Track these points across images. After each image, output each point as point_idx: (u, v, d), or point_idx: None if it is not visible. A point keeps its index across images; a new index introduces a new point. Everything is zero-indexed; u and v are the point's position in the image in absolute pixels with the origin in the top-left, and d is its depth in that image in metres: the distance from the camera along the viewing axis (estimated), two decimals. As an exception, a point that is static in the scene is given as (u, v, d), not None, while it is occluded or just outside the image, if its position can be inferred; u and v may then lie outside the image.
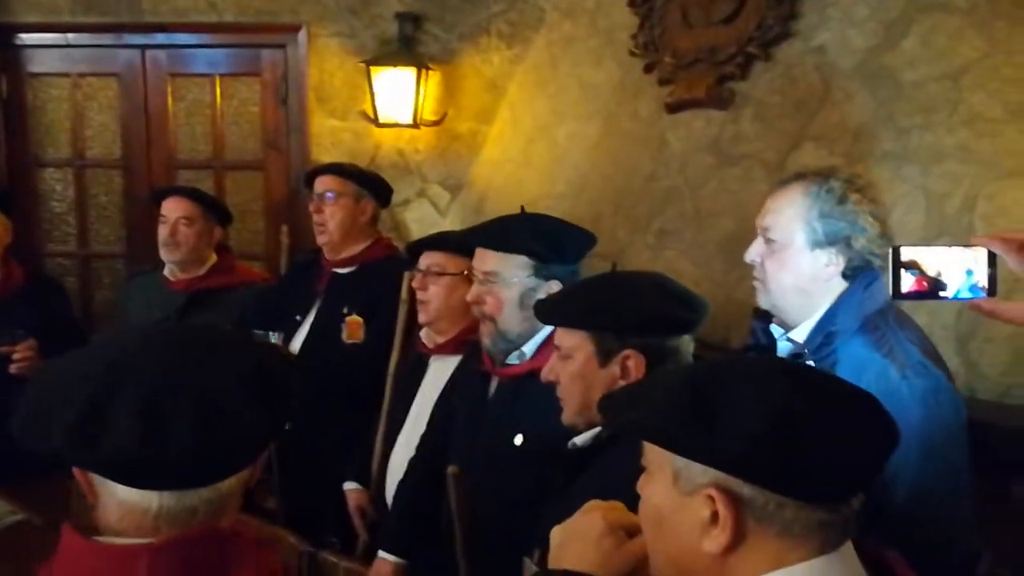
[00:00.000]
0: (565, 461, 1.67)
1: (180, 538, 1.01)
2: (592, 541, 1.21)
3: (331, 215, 3.05)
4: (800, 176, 1.80)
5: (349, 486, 2.73)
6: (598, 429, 1.65)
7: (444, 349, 2.51)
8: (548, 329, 2.05)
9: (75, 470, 1.04)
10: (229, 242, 3.99)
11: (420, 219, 4.00)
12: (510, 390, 2.08)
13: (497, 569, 1.92)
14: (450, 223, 3.93)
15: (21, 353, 2.99)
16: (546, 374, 1.72)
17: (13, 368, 2.99)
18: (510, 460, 1.99)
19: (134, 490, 1.01)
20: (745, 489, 0.98)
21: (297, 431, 2.94)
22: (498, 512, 1.99)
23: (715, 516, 0.99)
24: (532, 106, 3.79)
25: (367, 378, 2.84)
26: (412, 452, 2.45)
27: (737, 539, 0.99)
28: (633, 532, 1.21)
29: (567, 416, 1.69)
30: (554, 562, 1.23)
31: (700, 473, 1.00)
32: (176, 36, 4.13)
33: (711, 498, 0.99)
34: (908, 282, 1.37)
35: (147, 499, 1.02)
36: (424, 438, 2.40)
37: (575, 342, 1.66)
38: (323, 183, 3.11)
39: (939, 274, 1.37)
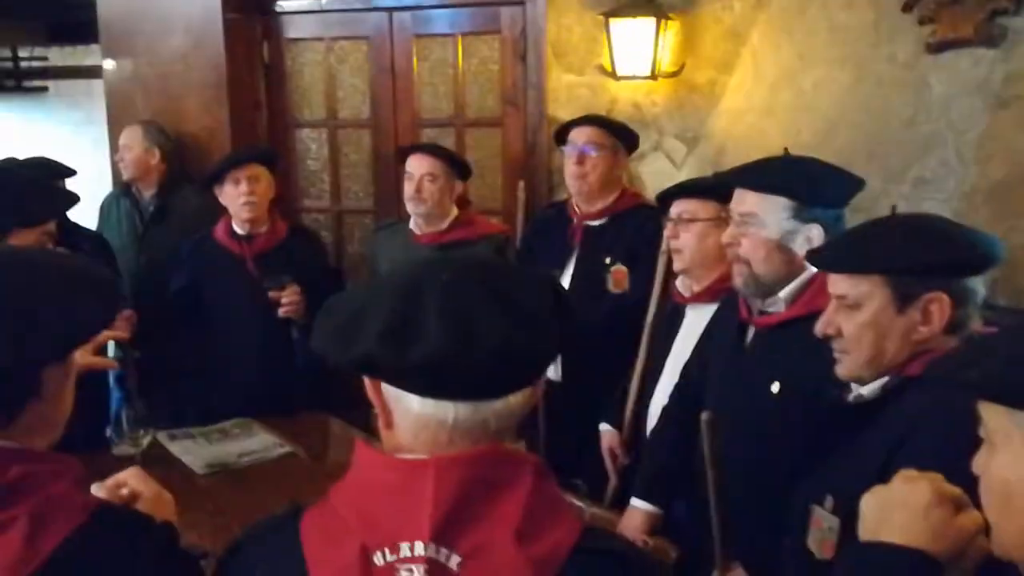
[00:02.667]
0: (848, 412, 1.60)
1: (466, 454, 1.04)
2: (919, 512, 1.11)
3: (593, 167, 3.10)
4: None
5: (603, 427, 2.77)
6: (885, 379, 1.57)
7: (700, 298, 2.50)
8: (805, 275, 1.98)
9: (369, 389, 1.09)
10: (470, 197, 4.12)
11: (655, 172, 3.95)
12: (767, 338, 2.03)
13: (750, 519, 1.89)
14: (685, 176, 3.85)
15: (288, 297, 3.22)
16: (823, 328, 1.64)
17: (281, 311, 3.23)
18: (766, 409, 1.95)
19: (431, 401, 1.04)
20: None
21: (568, 379, 3.02)
22: (753, 461, 1.95)
23: None
24: (776, 53, 3.64)
25: (633, 328, 2.85)
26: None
27: None
28: (959, 505, 1.12)
29: (851, 368, 1.61)
30: (871, 533, 1.15)
31: None
32: (421, -2, 4.27)
33: None
34: None
35: (443, 410, 1.04)
36: (678, 386, 2.39)
37: (866, 289, 1.56)
38: (584, 135, 3.15)
39: None
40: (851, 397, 1.62)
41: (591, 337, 2.83)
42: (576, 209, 3.21)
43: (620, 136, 3.21)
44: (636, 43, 3.76)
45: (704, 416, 1.84)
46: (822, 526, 1.50)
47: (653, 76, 3.81)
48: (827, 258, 1.70)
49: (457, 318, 1.01)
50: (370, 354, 1.02)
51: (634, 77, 3.82)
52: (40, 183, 2.05)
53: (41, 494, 1.13)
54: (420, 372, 1.02)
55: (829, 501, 1.50)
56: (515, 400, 1.06)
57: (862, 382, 1.61)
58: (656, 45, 3.74)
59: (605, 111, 3.92)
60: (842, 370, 1.63)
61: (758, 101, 3.67)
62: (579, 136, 3.16)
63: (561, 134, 3.27)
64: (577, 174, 3.12)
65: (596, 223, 3.15)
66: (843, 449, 1.55)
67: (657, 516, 2.33)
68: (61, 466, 1.19)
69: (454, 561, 1.00)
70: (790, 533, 1.60)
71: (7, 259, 1.24)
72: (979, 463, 1.03)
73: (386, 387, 1.07)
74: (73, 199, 1.98)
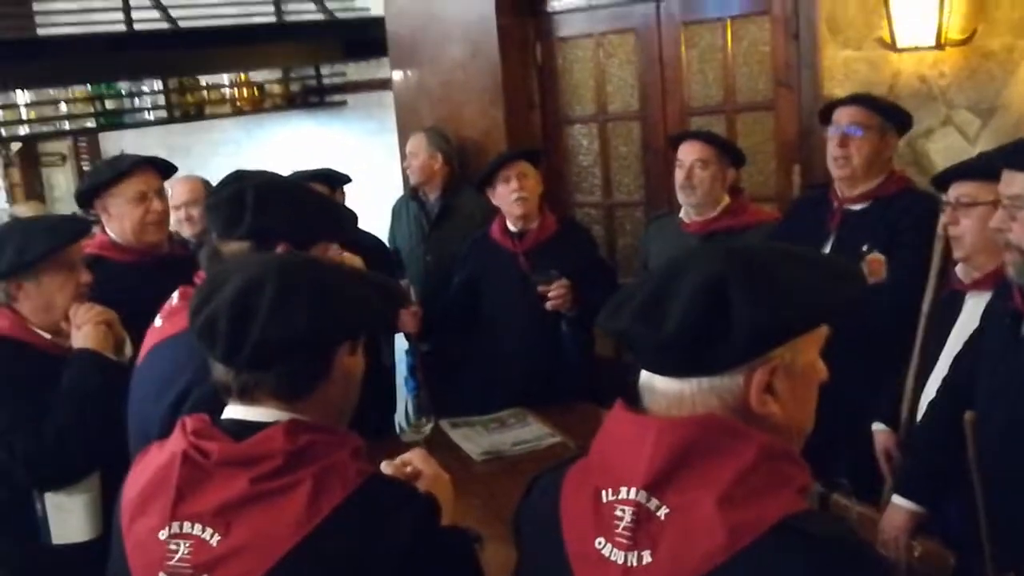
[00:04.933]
0: None
1: (687, 419, 1.13)
2: None
3: (857, 150, 2.95)
4: None
5: (877, 427, 2.63)
6: None
7: (982, 285, 2.31)
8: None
9: None
10: (741, 184, 4.03)
11: (945, 149, 3.66)
12: (1043, 330, 1.85)
13: (1020, 523, 1.73)
14: (980, 151, 3.55)
15: (555, 291, 3.32)
16: None
17: (549, 305, 3.34)
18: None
19: (645, 372, 1.19)
20: None
21: None
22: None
23: None
24: (1085, 9, 3.26)
25: (890, 317, 2.70)
26: (942, 396, 2.30)
27: None
28: None
29: None
30: None
31: None
32: (689, -16, 4.22)
33: None
34: None
35: (649, 379, 1.18)
36: (946, 380, 2.23)
37: None
38: (848, 115, 3.00)
39: None
40: None
41: (845, 328, 2.70)
42: (838, 192, 3.05)
43: (888, 116, 3.02)
44: (919, 11, 3.50)
45: (967, 416, 1.71)
46: None
47: (939, 45, 3.52)
48: None
49: (650, 301, 1.14)
50: (599, 319, 1.22)
51: (917, 48, 3.56)
52: (330, 203, 2.23)
53: (324, 461, 1.31)
54: (622, 339, 1.17)
55: None
56: (713, 382, 1.13)
57: None
58: (941, 11, 3.46)
59: (887, 86, 3.70)
60: None
61: (1064, 64, 3.31)
62: (842, 117, 3.00)
63: (825, 113, 3.12)
64: (839, 156, 2.96)
65: (857, 207, 2.98)
66: None
67: (920, 515, 2.18)
68: (342, 438, 1.38)
69: (662, 512, 1.10)
70: None
71: (308, 258, 1.49)
72: None
73: None
74: (354, 220, 2.17)
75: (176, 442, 1.35)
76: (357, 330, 1.42)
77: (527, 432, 3.11)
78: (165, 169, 3.12)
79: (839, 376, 2.84)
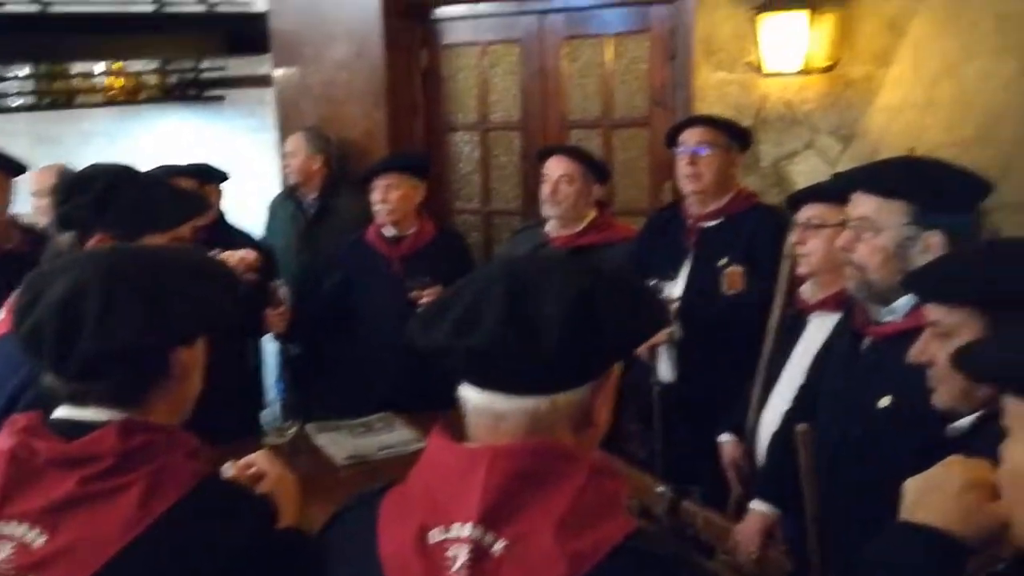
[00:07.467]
0: (943, 446, 1.53)
1: (519, 447, 1.09)
2: (951, 495, 1.13)
3: (707, 167, 3.06)
4: None
5: (724, 438, 2.73)
6: (981, 412, 1.49)
7: (825, 305, 2.43)
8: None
9: None
10: (615, 199, 4.12)
11: (807, 172, 3.82)
12: (881, 349, 1.94)
13: (851, 534, 1.82)
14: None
15: (427, 298, 3.31)
16: (916, 355, 1.56)
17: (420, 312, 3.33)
18: (873, 423, 1.87)
19: (482, 393, 1.11)
20: None
21: (682, 381, 3.02)
22: (858, 478, 1.87)
23: None
24: (938, 44, 3.46)
25: (750, 330, 2.80)
26: (784, 408, 2.40)
27: None
28: (997, 492, 1.11)
29: (945, 400, 1.54)
30: (908, 514, 1.17)
31: None
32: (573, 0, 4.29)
33: None
34: None
35: (489, 401, 1.10)
36: (801, 391, 2.34)
37: (959, 319, 1.47)
38: (696, 135, 3.12)
39: None
40: (948, 430, 1.56)
41: (706, 340, 2.83)
42: (690, 211, 3.16)
43: (732, 134, 3.15)
44: (786, 38, 3.66)
45: (799, 428, 1.79)
46: None
47: (804, 71, 3.69)
48: (918, 284, 1.62)
49: (516, 312, 1.07)
50: (440, 343, 1.11)
51: (781, 73, 3.71)
52: (169, 191, 2.15)
53: (157, 462, 1.27)
54: (472, 360, 1.09)
55: None
56: (564, 399, 1.10)
57: (958, 414, 1.54)
58: (809, 39, 3.62)
59: (755, 109, 3.84)
60: (937, 400, 1.56)
61: (918, 96, 3.50)
62: (690, 137, 3.12)
63: (672, 136, 3.23)
64: (690, 175, 3.07)
65: (710, 224, 3.11)
66: None
67: (773, 516, 2.27)
68: (177, 439, 1.33)
69: (498, 545, 1.05)
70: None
71: (137, 254, 1.39)
72: (1002, 448, 1.05)
73: None
74: (201, 206, 2.11)
75: (3, 440, 1.29)
76: (194, 333, 1.37)
77: (393, 437, 3.10)
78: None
79: (697, 386, 2.96)
